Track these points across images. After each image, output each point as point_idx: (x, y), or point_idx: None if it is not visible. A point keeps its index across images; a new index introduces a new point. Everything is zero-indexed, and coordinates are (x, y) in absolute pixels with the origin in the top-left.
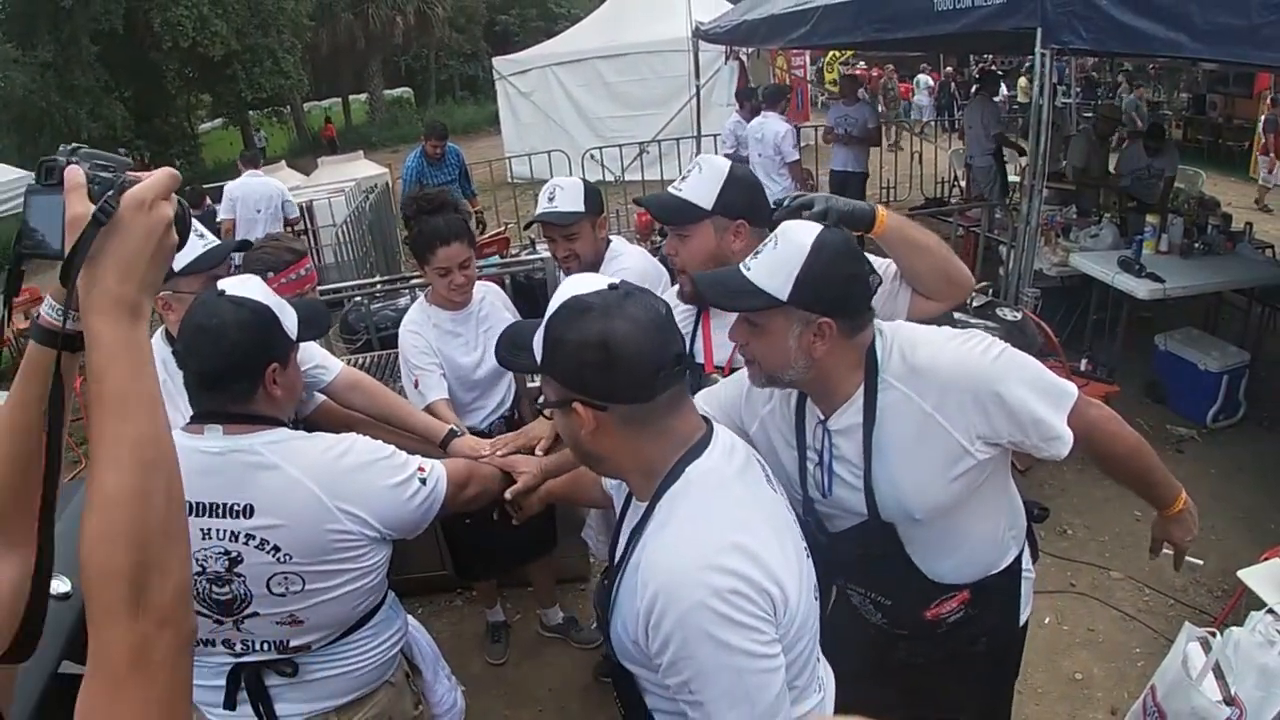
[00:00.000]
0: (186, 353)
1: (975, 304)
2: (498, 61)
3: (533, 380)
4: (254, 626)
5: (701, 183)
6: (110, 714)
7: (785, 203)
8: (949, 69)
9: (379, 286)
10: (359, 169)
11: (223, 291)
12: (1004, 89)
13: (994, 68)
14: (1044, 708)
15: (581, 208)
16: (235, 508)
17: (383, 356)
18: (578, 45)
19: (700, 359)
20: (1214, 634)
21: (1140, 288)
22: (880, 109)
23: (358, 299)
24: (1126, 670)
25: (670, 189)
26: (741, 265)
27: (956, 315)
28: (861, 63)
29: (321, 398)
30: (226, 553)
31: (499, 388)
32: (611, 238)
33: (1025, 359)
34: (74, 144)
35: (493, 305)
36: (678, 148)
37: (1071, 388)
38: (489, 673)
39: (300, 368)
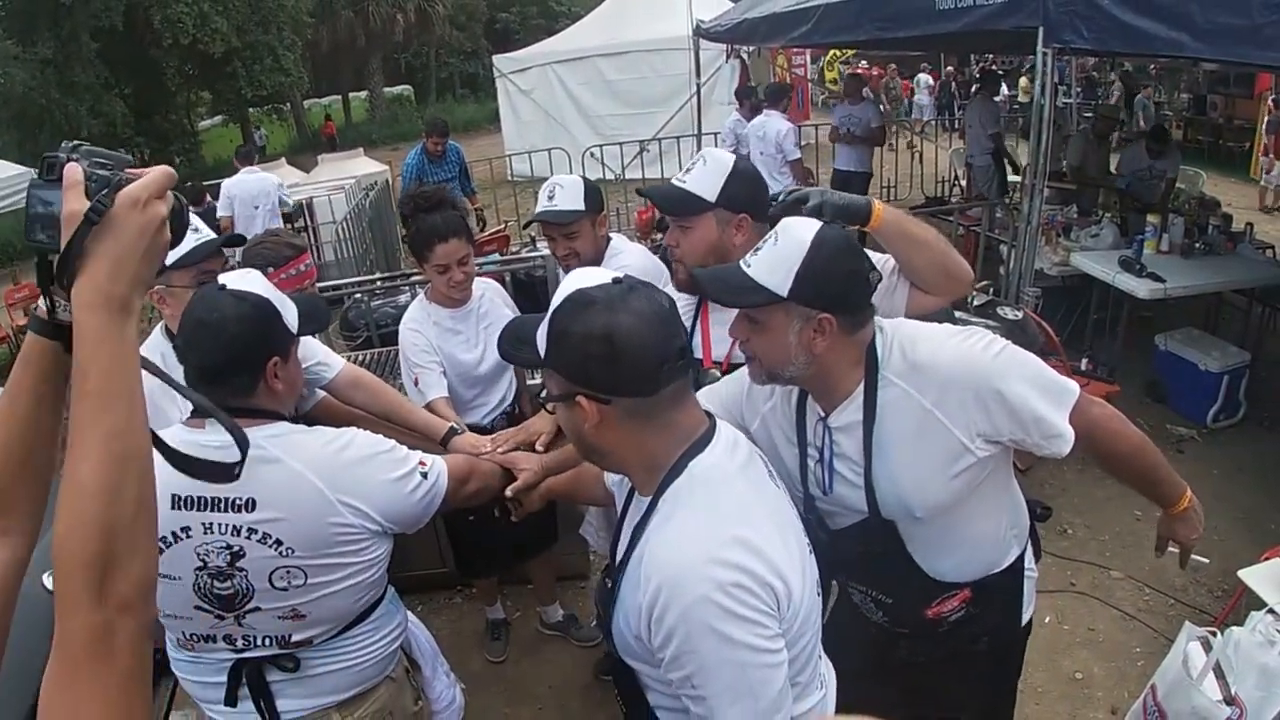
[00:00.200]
0: (187, 347)
1: (976, 303)
2: (498, 59)
3: (533, 376)
4: (256, 621)
5: (705, 175)
6: (69, 697)
7: (781, 197)
8: (950, 68)
9: (379, 283)
10: (359, 166)
11: (223, 285)
12: (1005, 89)
13: (994, 67)
14: (1044, 707)
15: (581, 206)
16: (237, 502)
17: (383, 354)
18: (578, 43)
19: (699, 354)
20: (1214, 634)
21: (1141, 287)
22: (883, 108)
23: (358, 296)
24: (1127, 670)
25: (674, 180)
26: (742, 261)
27: (958, 314)
28: (863, 62)
29: (322, 394)
30: (228, 547)
31: (500, 384)
32: (612, 235)
33: (1027, 356)
34: (76, 141)
35: (492, 302)
36: (678, 146)
37: (1073, 386)
38: (489, 670)
39: (301, 364)
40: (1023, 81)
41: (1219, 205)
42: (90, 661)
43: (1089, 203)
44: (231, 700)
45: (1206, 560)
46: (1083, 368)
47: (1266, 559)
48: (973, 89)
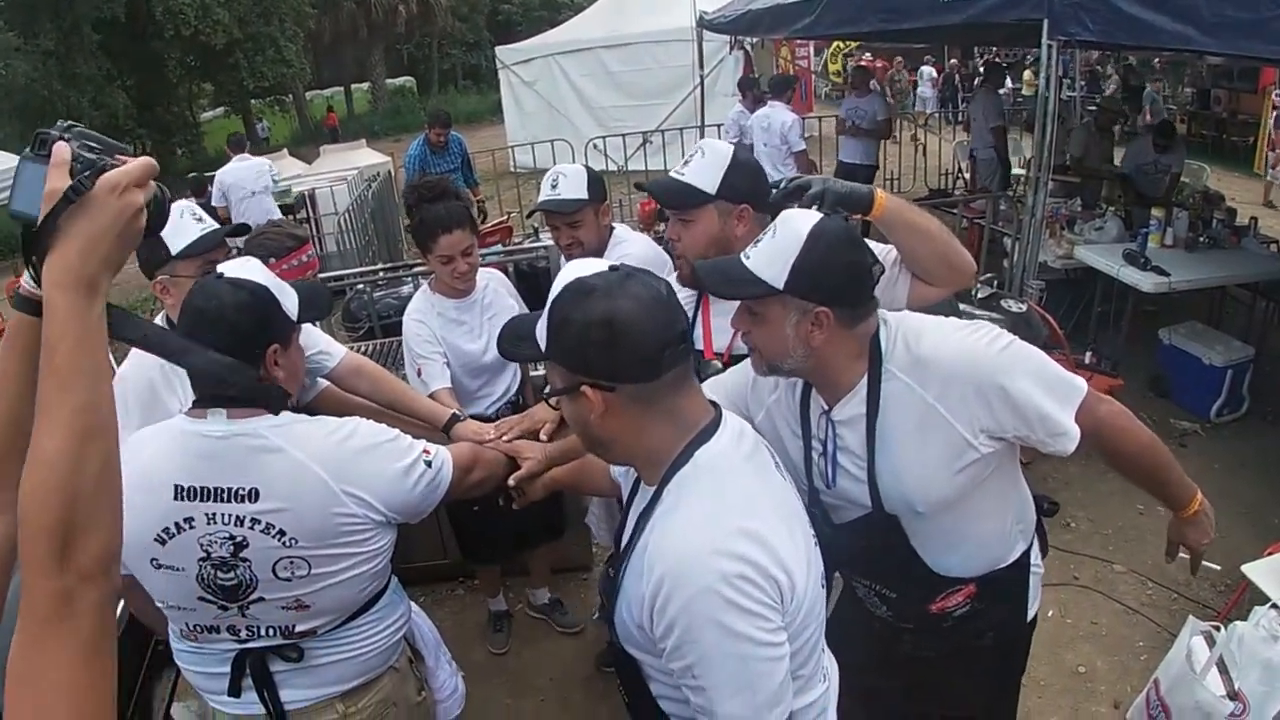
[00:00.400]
0: (186, 335)
1: (980, 295)
2: (501, 50)
3: (536, 368)
4: (259, 612)
5: (705, 167)
6: (31, 660)
7: (782, 185)
8: (953, 61)
9: (381, 274)
10: (361, 157)
11: (221, 274)
12: (1009, 82)
13: (999, 60)
14: (1046, 700)
15: (585, 195)
16: (240, 492)
17: (385, 344)
18: (581, 34)
19: (700, 345)
20: (1218, 628)
21: (1145, 281)
22: (889, 101)
23: (360, 287)
24: (1129, 664)
25: (673, 173)
26: (742, 254)
27: (961, 306)
28: (867, 54)
29: (323, 384)
30: (232, 538)
31: (505, 374)
32: (615, 225)
33: (1033, 352)
34: (70, 122)
35: (496, 292)
36: (681, 137)
37: (1080, 383)
38: (491, 662)
39: (304, 352)
40: (1026, 75)
41: (1223, 199)
42: (53, 626)
43: (1093, 196)
44: (235, 691)
45: (1219, 567)
46: (1086, 361)
47: (1270, 554)
48: (976, 82)
